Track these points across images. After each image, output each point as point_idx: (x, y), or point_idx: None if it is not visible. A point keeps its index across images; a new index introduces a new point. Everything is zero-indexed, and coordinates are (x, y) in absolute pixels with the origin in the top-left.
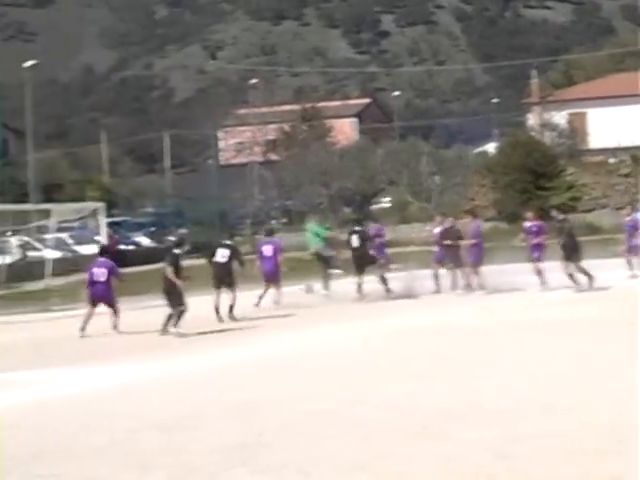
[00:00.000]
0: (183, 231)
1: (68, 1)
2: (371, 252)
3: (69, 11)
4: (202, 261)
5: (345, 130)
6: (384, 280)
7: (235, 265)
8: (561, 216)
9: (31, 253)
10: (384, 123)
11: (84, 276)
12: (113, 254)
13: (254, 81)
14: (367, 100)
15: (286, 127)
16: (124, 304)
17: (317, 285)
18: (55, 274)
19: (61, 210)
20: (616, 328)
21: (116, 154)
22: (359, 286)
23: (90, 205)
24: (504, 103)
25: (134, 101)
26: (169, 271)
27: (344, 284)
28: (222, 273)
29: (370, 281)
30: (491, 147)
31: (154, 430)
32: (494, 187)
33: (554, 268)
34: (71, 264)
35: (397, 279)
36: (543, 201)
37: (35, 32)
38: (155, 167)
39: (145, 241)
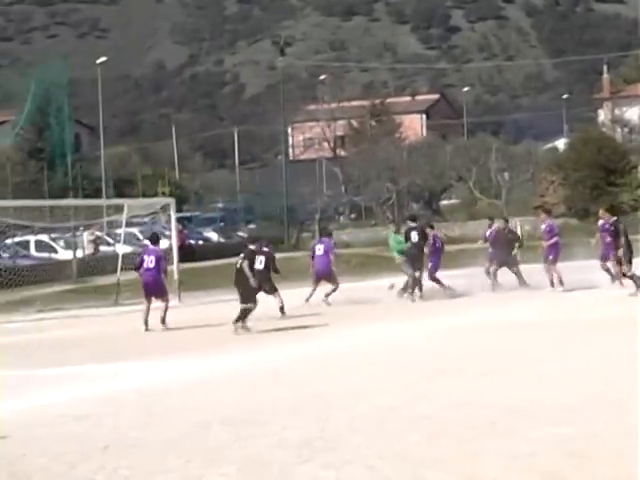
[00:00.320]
0: (252, 227)
1: None
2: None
3: (141, 8)
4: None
5: (414, 126)
6: (439, 282)
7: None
8: (613, 218)
9: (103, 248)
10: (453, 119)
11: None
12: (183, 249)
13: (323, 77)
14: (436, 96)
15: (355, 123)
16: (193, 299)
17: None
18: (126, 268)
19: (132, 205)
20: None
21: (186, 149)
22: (418, 281)
23: (161, 200)
24: (574, 98)
25: (205, 97)
26: (245, 265)
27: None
28: (261, 280)
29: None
30: (561, 143)
31: (223, 424)
32: (564, 183)
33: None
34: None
35: (458, 277)
36: (613, 197)
37: (108, 29)
38: (225, 162)
39: (214, 236)
